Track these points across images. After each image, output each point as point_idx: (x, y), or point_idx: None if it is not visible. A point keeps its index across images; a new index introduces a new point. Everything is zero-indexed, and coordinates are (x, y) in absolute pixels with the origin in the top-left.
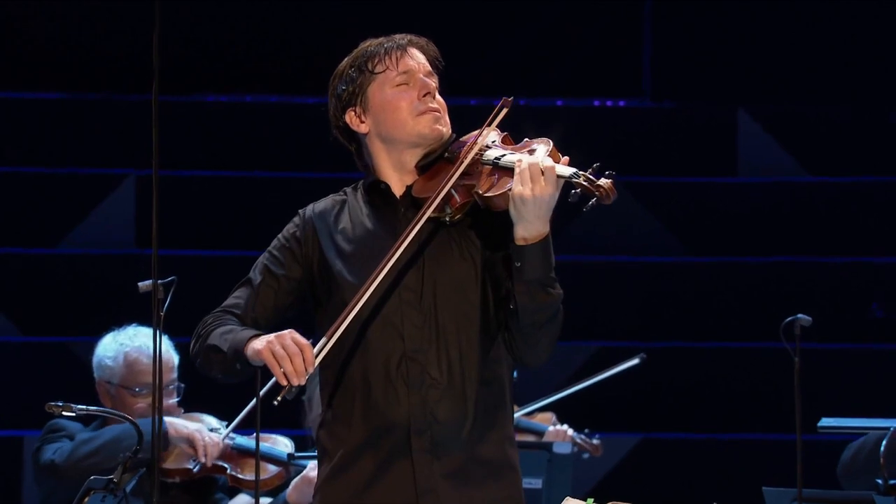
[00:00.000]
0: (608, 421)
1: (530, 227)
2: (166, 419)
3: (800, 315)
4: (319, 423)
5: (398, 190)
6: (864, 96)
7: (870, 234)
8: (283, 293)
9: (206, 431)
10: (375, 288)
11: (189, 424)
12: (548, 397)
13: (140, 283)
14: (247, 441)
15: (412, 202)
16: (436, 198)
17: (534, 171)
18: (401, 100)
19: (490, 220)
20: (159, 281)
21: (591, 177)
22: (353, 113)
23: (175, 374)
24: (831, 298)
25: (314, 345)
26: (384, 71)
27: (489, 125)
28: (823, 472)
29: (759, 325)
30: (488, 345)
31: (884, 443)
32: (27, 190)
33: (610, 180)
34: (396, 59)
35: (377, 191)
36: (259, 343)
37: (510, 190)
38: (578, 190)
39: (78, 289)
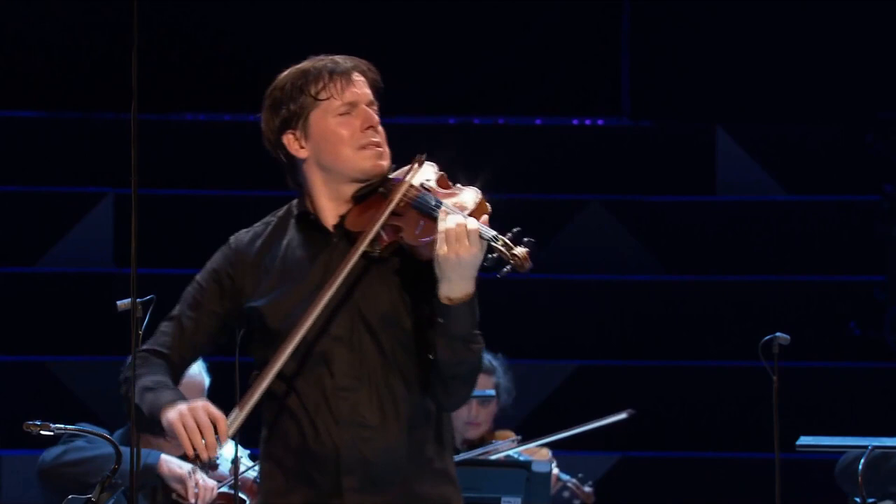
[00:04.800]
0: (586, 440)
1: (455, 287)
2: (162, 456)
3: (778, 333)
4: (262, 438)
5: (331, 219)
6: (842, 115)
7: (848, 253)
8: (211, 326)
9: (201, 473)
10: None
11: (183, 465)
12: (544, 437)
13: (118, 302)
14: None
15: (344, 233)
16: (365, 238)
17: (459, 232)
18: (343, 130)
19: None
20: (138, 300)
21: (508, 242)
22: (292, 136)
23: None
24: (809, 317)
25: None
26: (328, 99)
27: (407, 178)
28: (802, 491)
29: (738, 344)
30: (421, 381)
31: (862, 461)
32: (5, 208)
33: (526, 249)
34: (342, 87)
35: (307, 221)
36: (172, 414)
37: (433, 241)
38: (495, 254)
39: (56, 308)
